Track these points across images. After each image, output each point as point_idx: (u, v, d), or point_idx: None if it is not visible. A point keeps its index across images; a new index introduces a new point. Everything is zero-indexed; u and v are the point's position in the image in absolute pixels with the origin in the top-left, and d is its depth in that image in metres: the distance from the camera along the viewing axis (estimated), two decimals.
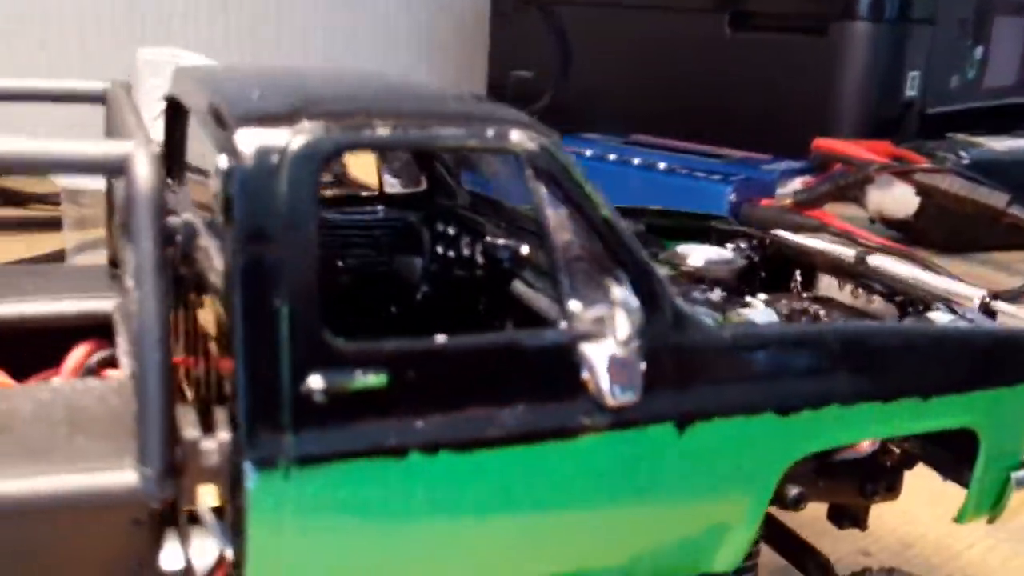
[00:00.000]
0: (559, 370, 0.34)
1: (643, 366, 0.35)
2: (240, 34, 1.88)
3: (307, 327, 0.31)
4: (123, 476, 0.29)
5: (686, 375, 0.37)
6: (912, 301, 0.48)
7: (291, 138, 0.31)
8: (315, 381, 0.31)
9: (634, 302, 0.35)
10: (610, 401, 0.35)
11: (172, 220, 0.34)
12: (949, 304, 0.47)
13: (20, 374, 0.42)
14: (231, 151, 0.31)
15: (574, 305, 0.35)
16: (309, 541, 0.32)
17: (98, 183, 1.12)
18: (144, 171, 0.29)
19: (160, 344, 0.29)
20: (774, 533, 0.50)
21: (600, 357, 0.35)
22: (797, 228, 1.40)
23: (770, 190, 1.47)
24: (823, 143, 1.41)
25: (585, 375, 0.35)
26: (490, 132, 0.34)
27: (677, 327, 0.36)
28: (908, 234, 1.43)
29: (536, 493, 0.35)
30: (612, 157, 1.55)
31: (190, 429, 0.31)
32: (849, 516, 0.50)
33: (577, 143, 1.62)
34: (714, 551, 0.38)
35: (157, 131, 1.35)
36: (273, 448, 0.31)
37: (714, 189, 1.42)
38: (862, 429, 0.40)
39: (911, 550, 0.70)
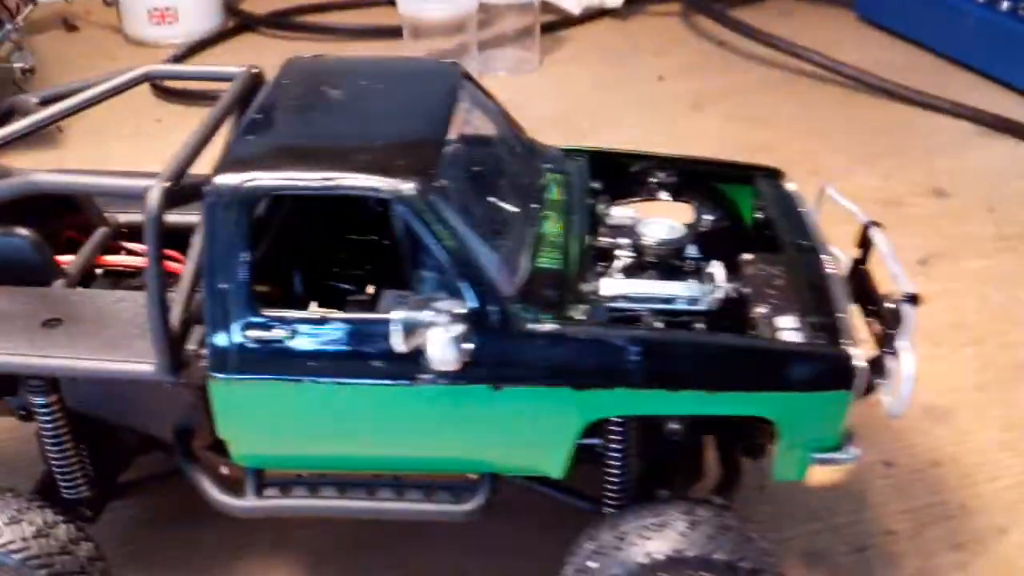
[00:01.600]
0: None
1: (466, 346, 0.52)
2: None
3: (241, 301, 0.52)
4: (147, 367, 0.54)
5: (502, 354, 0.53)
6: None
7: (238, 183, 0.51)
8: (249, 333, 0.53)
9: (468, 303, 0.52)
10: (441, 365, 0.52)
11: None
12: (804, 316, 0.55)
13: None
14: (210, 184, 0.52)
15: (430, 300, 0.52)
16: (242, 413, 0.55)
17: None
18: (153, 203, 0.51)
19: (157, 303, 0.52)
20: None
21: (434, 336, 0.52)
22: None
23: None
24: None
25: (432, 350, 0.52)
26: (375, 182, 0.51)
27: (503, 321, 0.52)
28: None
29: (388, 415, 0.54)
30: None
31: (193, 343, 0.55)
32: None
33: None
34: (535, 464, 0.56)
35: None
36: (225, 366, 0.54)
37: None
38: (650, 407, 0.53)
39: (936, 468, 0.77)
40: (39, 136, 0.73)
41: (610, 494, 0.59)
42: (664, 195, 0.69)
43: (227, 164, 0.53)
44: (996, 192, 1.13)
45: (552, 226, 0.61)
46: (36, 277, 0.61)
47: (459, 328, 0.51)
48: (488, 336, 0.52)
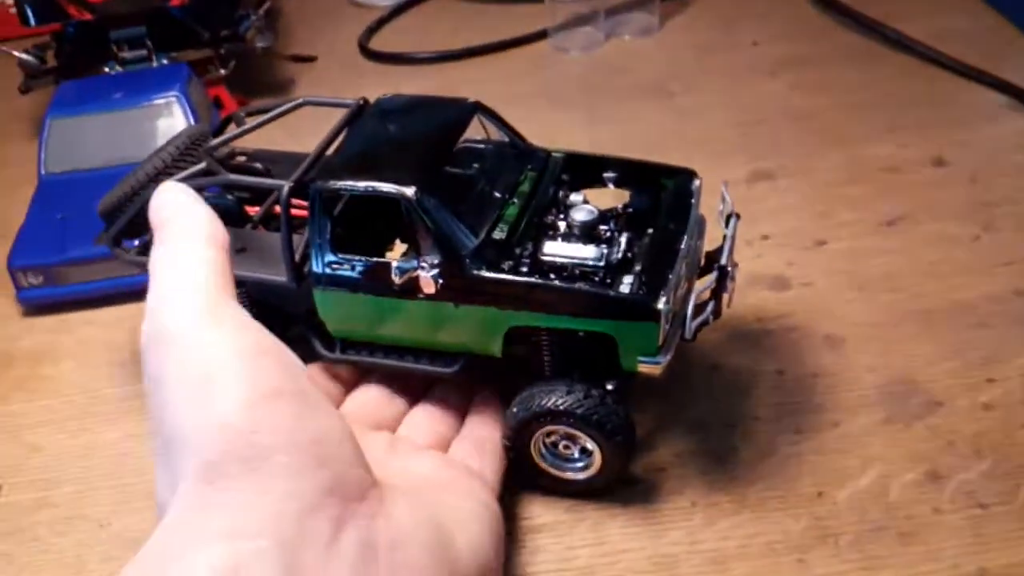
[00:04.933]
0: (411, 280, 0.93)
1: (439, 280, 0.92)
2: None
3: (326, 247, 0.95)
4: (283, 279, 0.98)
5: (459, 286, 0.92)
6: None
7: (321, 186, 0.93)
8: (329, 265, 0.96)
9: (441, 258, 0.92)
10: (425, 291, 0.93)
11: None
12: (641, 275, 0.91)
13: None
14: (311, 185, 0.94)
15: (424, 254, 0.92)
16: (328, 309, 0.98)
17: None
18: (283, 195, 0.94)
19: (287, 248, 0.96)
20: None
21: (423, 275, 0.93)
22: None
23: None
24: None
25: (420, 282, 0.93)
26: (391, 188, 0.92)
27: (460, 269, 0.91)
28: None
29: (402, 316, 0.96)
30: None
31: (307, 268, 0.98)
32: None
33: None
34: (485, 348, 0.95)
35: None
36: (320, 282, 0.96)
37: None
38: (540, 322, 0.90)
39: (814, 378, 1.08)
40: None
41: (541, 371, 0.99)
42: (610, 185, 1.05)
43: (319, 173, 0.95)
44: (988, 164, 1.36)
45: (512, 210, 0.98)
46: (236, 222, 1.07)
47: (435, 271, 0.91)
48: (451, 276, 0.91)
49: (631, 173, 1.05)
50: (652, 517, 0.97)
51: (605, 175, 1.05)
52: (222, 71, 1.61)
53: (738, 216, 1.00)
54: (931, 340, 1.11)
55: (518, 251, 0.95)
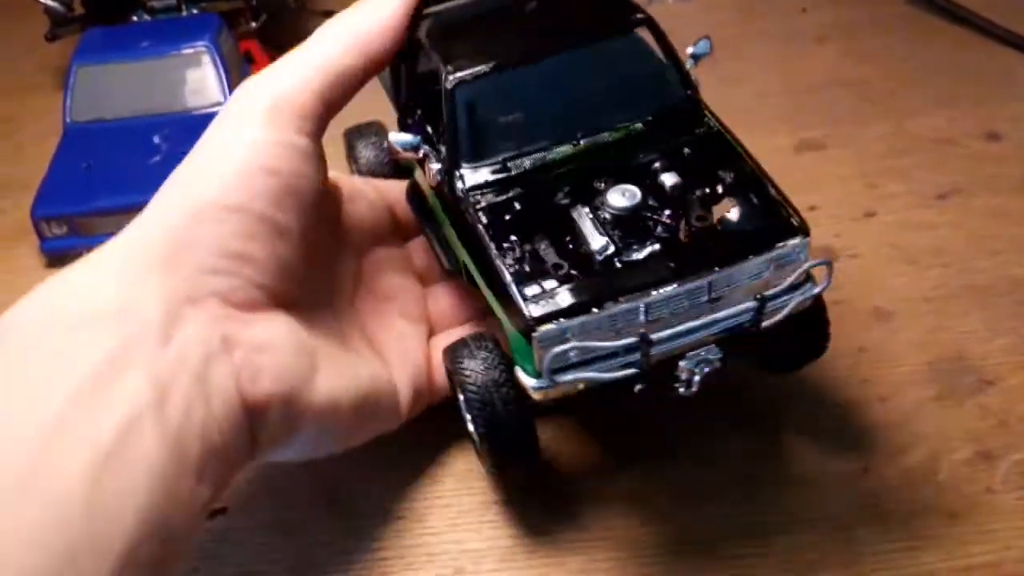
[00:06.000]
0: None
1: (439, 178, 0.84)
2: None
3: None
4: None
5: (443, 189, 0.84)
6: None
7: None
8: None
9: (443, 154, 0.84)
10: (429, 182, 0.86)
11: None
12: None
13: None
14: None
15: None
16: None
17: None
18: None
19: None
20: None
21: (430, 166, 0.84)
22: None
23: None
24: None
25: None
26: (442, 70, 0.83)
27: (450, 174, 0.83)
28: None
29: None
30: None
31: None
32: None
33: None
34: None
35: None
36: None
37: None
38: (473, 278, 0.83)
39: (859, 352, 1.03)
40: None
41: None
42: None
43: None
44: None
45: (564, 150, 0.82)
46: None
47: (439, 165, 0.84)
48: (445, 177, 0.84)
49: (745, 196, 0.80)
50: (693, 490, 0.94)
51: (720, 173, 0.81)
52: (253, 24, 1.57)
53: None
54: (983, 317, 1.07)
55: (516, 190, 0.81)
